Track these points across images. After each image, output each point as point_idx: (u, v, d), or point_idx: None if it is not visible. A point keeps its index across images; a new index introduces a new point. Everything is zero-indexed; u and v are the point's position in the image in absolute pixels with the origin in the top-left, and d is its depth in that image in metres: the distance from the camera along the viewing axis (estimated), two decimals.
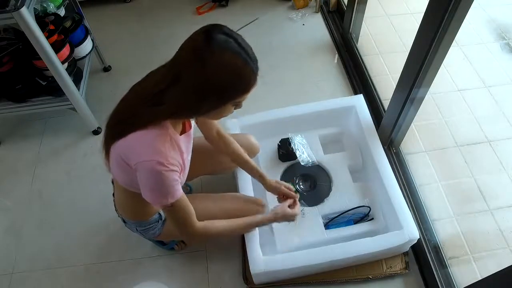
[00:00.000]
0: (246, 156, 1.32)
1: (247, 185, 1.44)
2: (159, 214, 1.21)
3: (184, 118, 0.96)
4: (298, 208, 1.28)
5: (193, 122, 1.10)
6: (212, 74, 0.80)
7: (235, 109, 0.93)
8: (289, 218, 1.25)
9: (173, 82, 0.83)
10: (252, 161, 1.33)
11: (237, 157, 1.31)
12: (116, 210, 1.24)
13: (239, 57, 0.80)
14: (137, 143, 0.90)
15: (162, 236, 1.28)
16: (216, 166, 1.42)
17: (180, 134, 0.99)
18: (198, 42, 0.80)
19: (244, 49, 0.82)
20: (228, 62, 0.80)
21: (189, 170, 1.24)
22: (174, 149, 0.93)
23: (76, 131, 1.95)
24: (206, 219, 1.08)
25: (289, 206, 1.26)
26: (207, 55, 0.79)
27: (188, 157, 1.06)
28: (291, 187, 1.33)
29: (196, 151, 1.36)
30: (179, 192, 0.95)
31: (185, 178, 1.08)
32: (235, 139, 1.36)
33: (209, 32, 0.80)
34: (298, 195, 1.32)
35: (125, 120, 0.92)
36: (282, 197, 1.33)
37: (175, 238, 1.46)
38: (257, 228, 1.33)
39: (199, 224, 1.05)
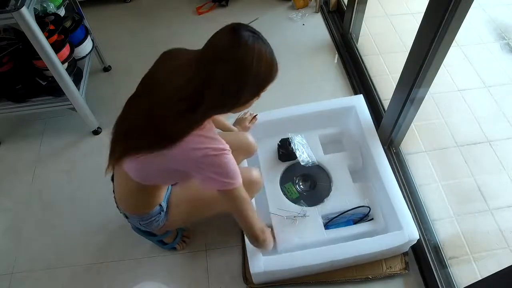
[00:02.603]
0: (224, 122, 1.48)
1: None
2: (160, 205, 1.21)
3: (222, 113, 1.00)
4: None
5: None
6: (250, 65, 0.84)
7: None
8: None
9: (206, 82, 0.86)
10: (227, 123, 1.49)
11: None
12: (117, 206, 1.24)
13: (268, 47, 0.88)
14: (192, 145, 0.91)
15: (167, 226, 1.29)
16: None
17: None
18: (227, 39, 0.84)
19: (267, 43, 0.89)
20: (263, 52, 0.86)
21: None
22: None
23: (76, 131, 1.95)
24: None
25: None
26: (239, 50, 0.83)
27: None
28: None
29: None
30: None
31: None
32: (233, 138, 1.38)
33: (236, 29, 0.85)
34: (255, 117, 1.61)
35: (161, 130, 0.91)
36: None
37: (180, 226, 1.47)
38: None
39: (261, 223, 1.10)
